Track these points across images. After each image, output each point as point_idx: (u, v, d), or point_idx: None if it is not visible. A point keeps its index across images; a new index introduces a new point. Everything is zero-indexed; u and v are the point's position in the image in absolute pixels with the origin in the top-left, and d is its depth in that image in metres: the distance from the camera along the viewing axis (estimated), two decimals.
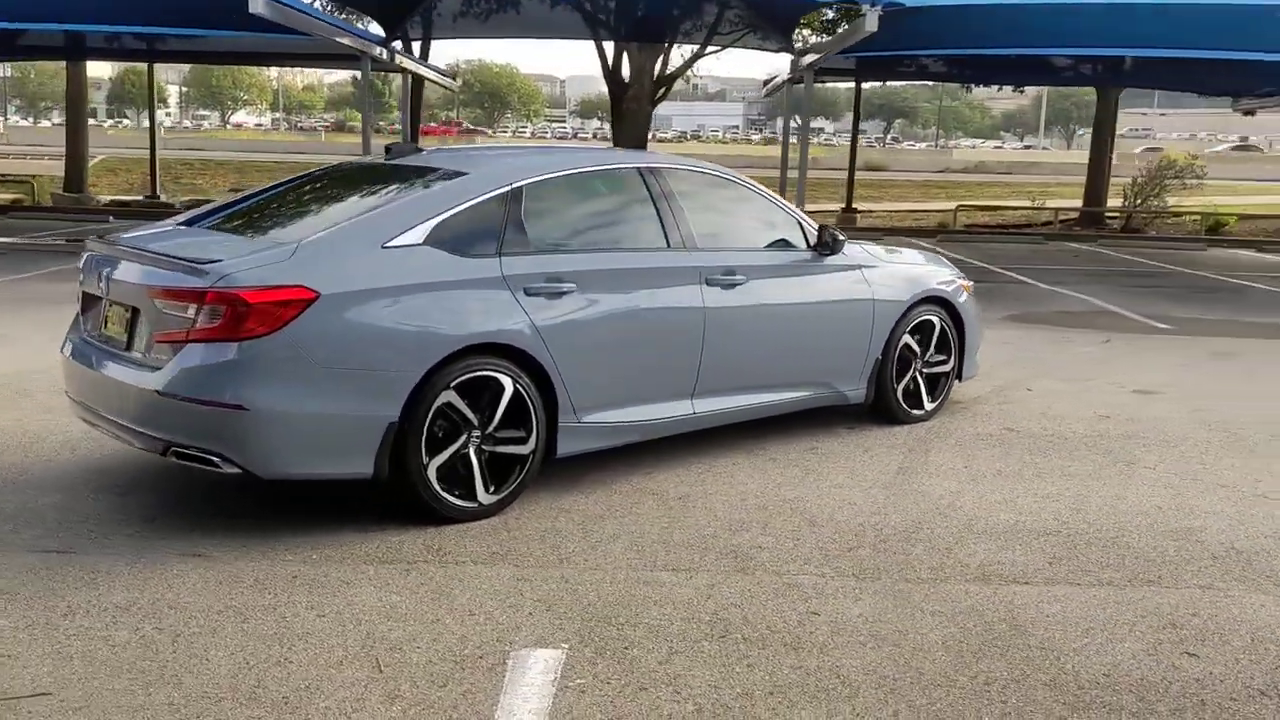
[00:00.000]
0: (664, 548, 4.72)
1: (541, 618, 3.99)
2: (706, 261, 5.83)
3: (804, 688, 3.53)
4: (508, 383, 4.96)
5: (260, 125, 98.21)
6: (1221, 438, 6.75)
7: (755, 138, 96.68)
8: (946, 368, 7.07)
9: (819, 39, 16.04)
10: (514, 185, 5.28)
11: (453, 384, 4.81)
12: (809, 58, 14.63)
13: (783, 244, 6.33)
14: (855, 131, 26.09)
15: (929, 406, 6.96)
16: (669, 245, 5.75)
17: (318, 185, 6.01)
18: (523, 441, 5.06)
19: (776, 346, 6.14)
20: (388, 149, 5.88)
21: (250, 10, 11.82)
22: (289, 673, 3.55)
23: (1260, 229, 23.85)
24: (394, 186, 5.45)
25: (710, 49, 20.91)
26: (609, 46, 22.32)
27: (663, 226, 5.77)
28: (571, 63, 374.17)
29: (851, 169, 24.35)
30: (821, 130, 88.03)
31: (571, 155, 6.12)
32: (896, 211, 29.57)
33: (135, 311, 4.83)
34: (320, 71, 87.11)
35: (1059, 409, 7.39)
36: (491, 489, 5.00)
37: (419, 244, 4.92)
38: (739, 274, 5.89)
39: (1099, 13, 14.21)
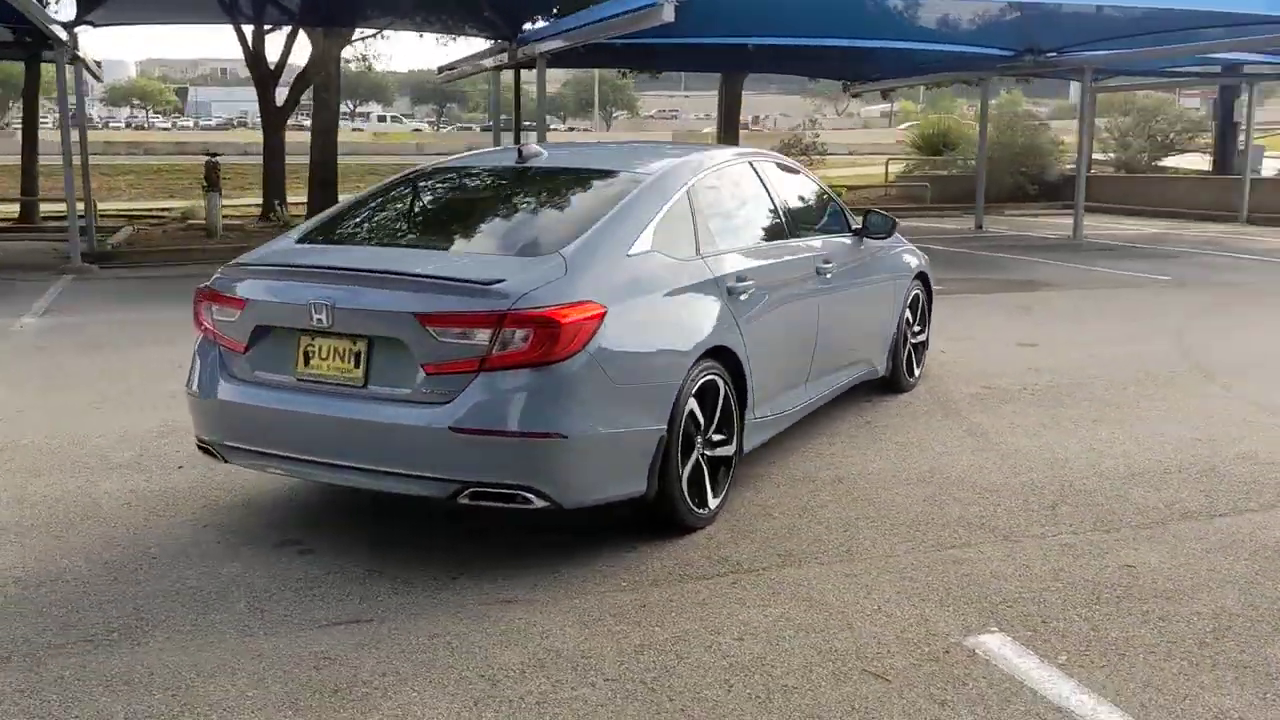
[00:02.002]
0: (921, 528, 4.92)
1: (930, 607, 4.11)
2: (814, 250, 6.03)
3: (1237, 629, 3.95)
4: (721, 385, 4.93)
5: None
6: (1168, 374, 7.90)
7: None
8: (924, 337, 7.71)
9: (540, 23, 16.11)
10: (689, 184, 5.20)
11: (693, 391, 4.72)
12: (548, 44, 14.72)
13: (838, 228, 6.63)
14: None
15: (918, 373, 7.58)
16: (789, 235, 5.90)
17: (466, 192, 5.55)
18: (728, 443, 5.05)
19: (851, 328, 6.46)
20: (519, 150, 5.49)
21: None
22: (793, 700, 3.46)
23: (849, 200, 26.89)
24: (577, 191, 5.17)
25: (441, 38, 20.22)
26: (249, 31, 20.94)
27: (780, 218, 5.90)
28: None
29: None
30: (369, 115, 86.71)
31: (690, 150, 6.00)
32: None
33: (372, 342, 4.29)
34: None
35: (989, 367, 8.25)
36: (715, 494, 4.95)
37: (649, 250, 4.75)
38: (831, 260, 6.14)
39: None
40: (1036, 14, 17.09)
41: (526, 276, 4.25)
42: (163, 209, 23.01)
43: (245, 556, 4.60)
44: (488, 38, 17.16)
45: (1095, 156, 28.83)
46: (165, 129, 76.05)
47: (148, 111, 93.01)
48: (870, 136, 59.65)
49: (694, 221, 5.11)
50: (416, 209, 5.39)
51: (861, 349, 6.73)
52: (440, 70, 20.62)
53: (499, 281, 4.20)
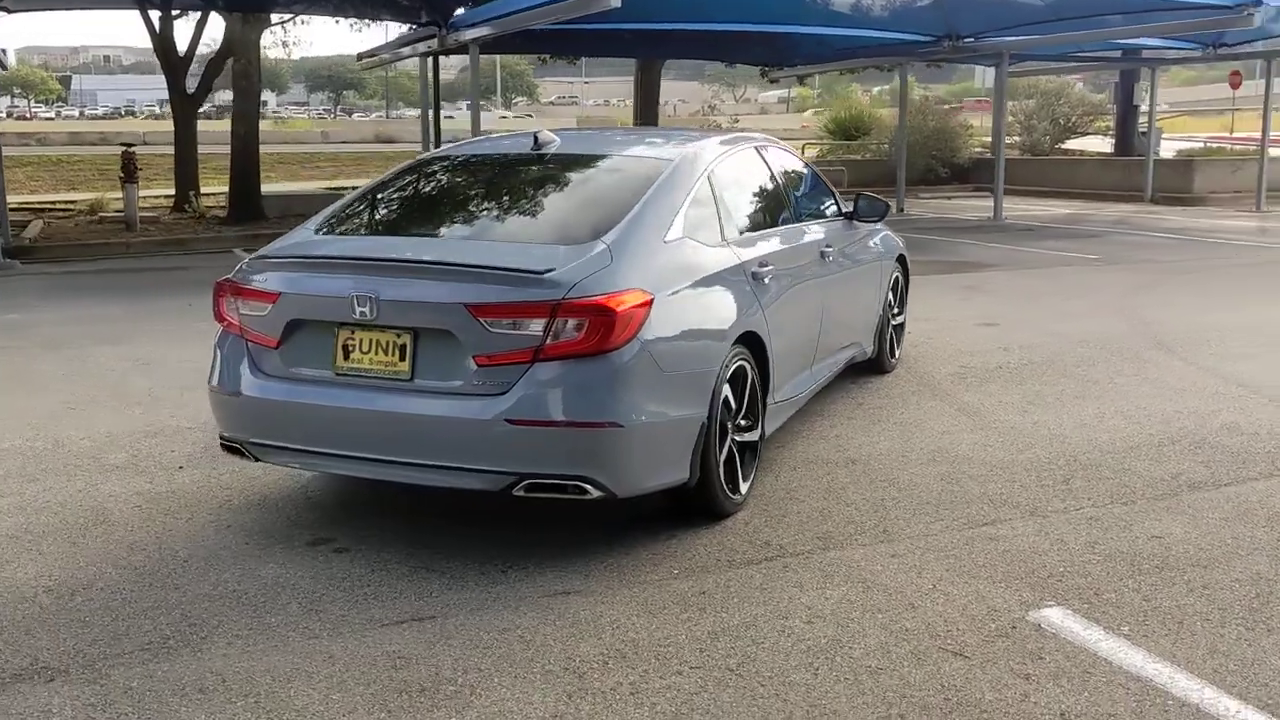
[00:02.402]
0: (947, 506, 4.99)
1: (983, 584, 4.19)
2: (817, 234, 6.08)
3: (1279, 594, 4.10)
4: (749, 370, 4.96)
5: None
6: (1129, 349, 8.13)
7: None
8: (903, 319, 7.82)
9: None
10: (709, 169, 5.20)
11: (727, 377, 4.74)
12: (477, 31, 14.53)
13: (831, 212, 6.69)
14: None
15: (898, 354, 7.70)
16: (795, 219, 5.94)
17: (487, 180, 5.45)
18: (754, 428, 5.07)
19: (848, 311, 6.53)
20: (535, 136, 5.40)
21: None
22: (882, 681, 3.51)
23: None
24: (602, 179, 5.14)
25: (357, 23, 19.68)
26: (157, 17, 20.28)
27: (786, 202, 5.95)
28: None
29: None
30: (265, 103, 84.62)
31: (698, 135, 5.96)
32: None
33: (418, 334, 4.21)
34: None
35: (960, 347, 8.42)
36: (744, 479, 4.98)
37: (681, 236, 4.74)
38: (832, 245, 6.20)
39: None
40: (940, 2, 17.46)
41: (576, 265, 4.21)
42: (67, 201, 22.18)
43: (280, 557, 4.48)
44: (413, 23, 16.86)
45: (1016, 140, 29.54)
46: (49, 119, 73.25)
47: (29, 101, 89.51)
48: (775, 121, 60.13)
49: (716, 207, 5.11)
50: (440, 198, 5.30)
51: (855, 331, 6.82)
52: (360, 57, 20.21)
53: (550, 270, 4.15)
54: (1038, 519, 4.84)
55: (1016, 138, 29.47)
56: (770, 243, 5.46)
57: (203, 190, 20.80)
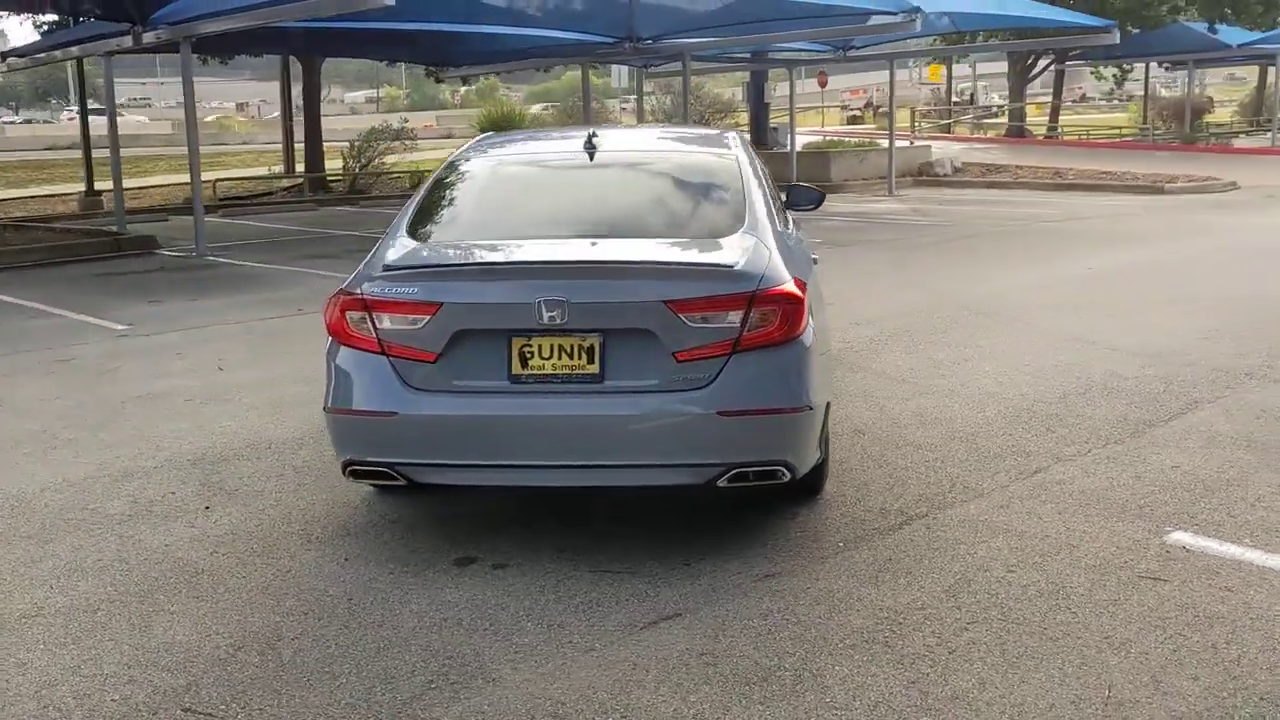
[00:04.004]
0: (988, 461, 5.51)
1: (1101, 522, 4.73)
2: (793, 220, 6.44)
3: None
4: None
5: None
6: (957, 317, 9.04)
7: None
8: None
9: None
10: (754, 163, 5.40)
11: None
12: (212, 25, 13.46)
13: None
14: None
15: None
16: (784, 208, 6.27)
17: (571, 181, 5.35)
18: None
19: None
20: (590, 137, 5.29)
21: None
22: (1126, 609, 3.98)
23: None
24: (684, 175, 5.19)
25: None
26: None
27: (777, 192, 6.24)
28: None
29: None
30: None
31: (711, 132, 6.16)
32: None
33: (607, 335, 4.14)
34: None
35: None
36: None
37: (782, 228, 4.95)
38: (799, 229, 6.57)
39: None
40: (623, 5, 18.21)
41: (750, 258, 4.33)
42: None
43: (445, 580, 4.25)
44: (106, 18, 15.32)
45: None
46: None
47: None
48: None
49: (774, 198, 5.35)
50: (544, 198, 5.13)
51: None
52: (4, 57, 18.04)
53: (736, 264, 4.25)
54: (1075, 462, 5.48)
55: None
56: (801, 231, 5.76)
57: None
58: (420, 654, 3.69)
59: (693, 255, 4.38)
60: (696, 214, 4.88)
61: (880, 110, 52.16)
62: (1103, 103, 61.68)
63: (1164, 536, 4.54)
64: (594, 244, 4.56)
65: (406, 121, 26.69)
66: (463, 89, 62.83)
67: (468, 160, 5.43)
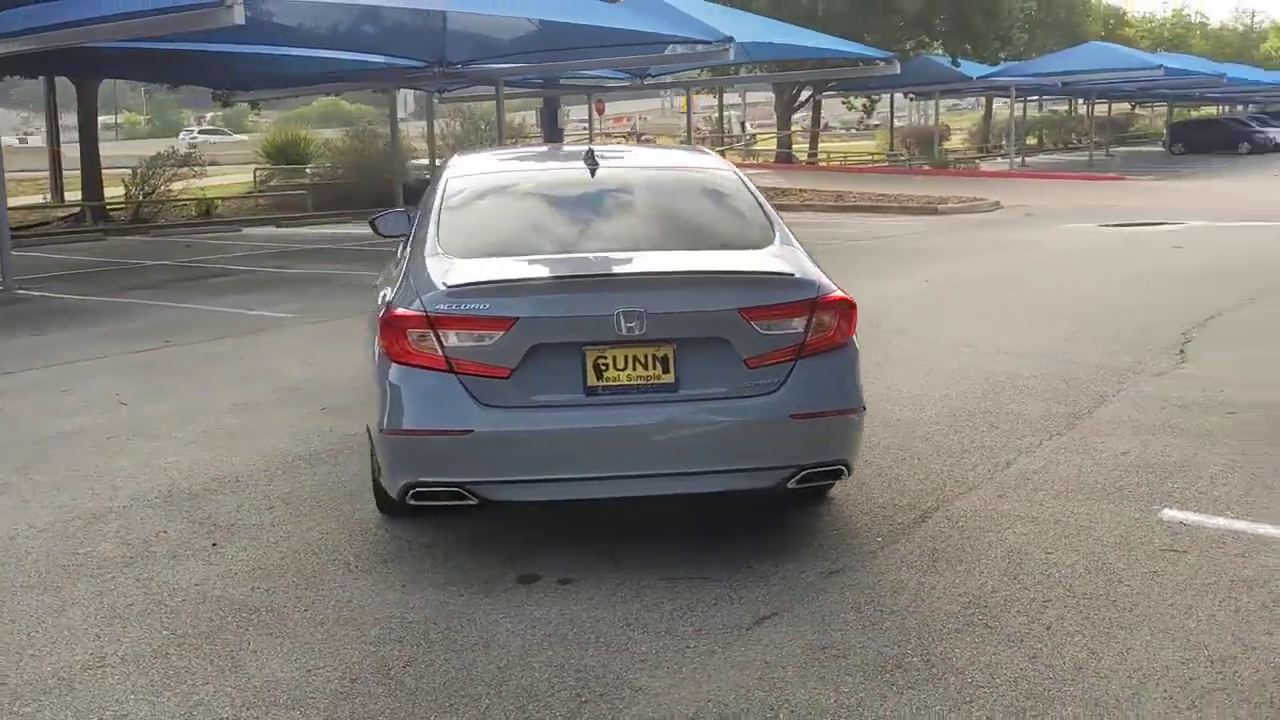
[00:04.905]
0: (974, 452, 5.86)
1: (1098, 504, 5.12)
2: None
3: None
4: None
5: None
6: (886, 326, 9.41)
7: None
8: None
9: None
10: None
11: None
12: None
13: None
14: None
15: None
16: None
17: (589, 197, 5.28)
18: None
19: None
20: (590, 153, 5.27)
21: None
22: (1162, 581, 4.35)
23: (240, 207, 25.94)
24: (695, 189, 5.28)
25: None
26: None
27: None
28: None
29: None
30: None
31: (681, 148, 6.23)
32: None
33: (681, 344, 4.20)
34: None
35: None
36: None
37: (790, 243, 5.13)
38: None
39: None
40: (434, 30, 18.13)
41: (804, 266, 4.49)
42: None
43: (520, 599, 4.19)
44: None
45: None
46: None
47: None
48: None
49: None
50: (564, 215, 5.07)
51: None
52: None
53: (794, 272, 4.40)
54: (1034, 455, 5.88)
55: None
56: None
57: None
58: (547, 670, 3.64)
59: (755, 264, 4.51)
60: (729, 225, 5.00)
61: (644, 137, 53.61)
62: (842, 131, 65.52)
63: (1158, 514, 4.96)
64: (659, 255, 4.61)
65: (194, 149, 25.40)
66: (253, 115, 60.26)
67: (468, 177, 5.37)
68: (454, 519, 4.91)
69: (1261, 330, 9.34)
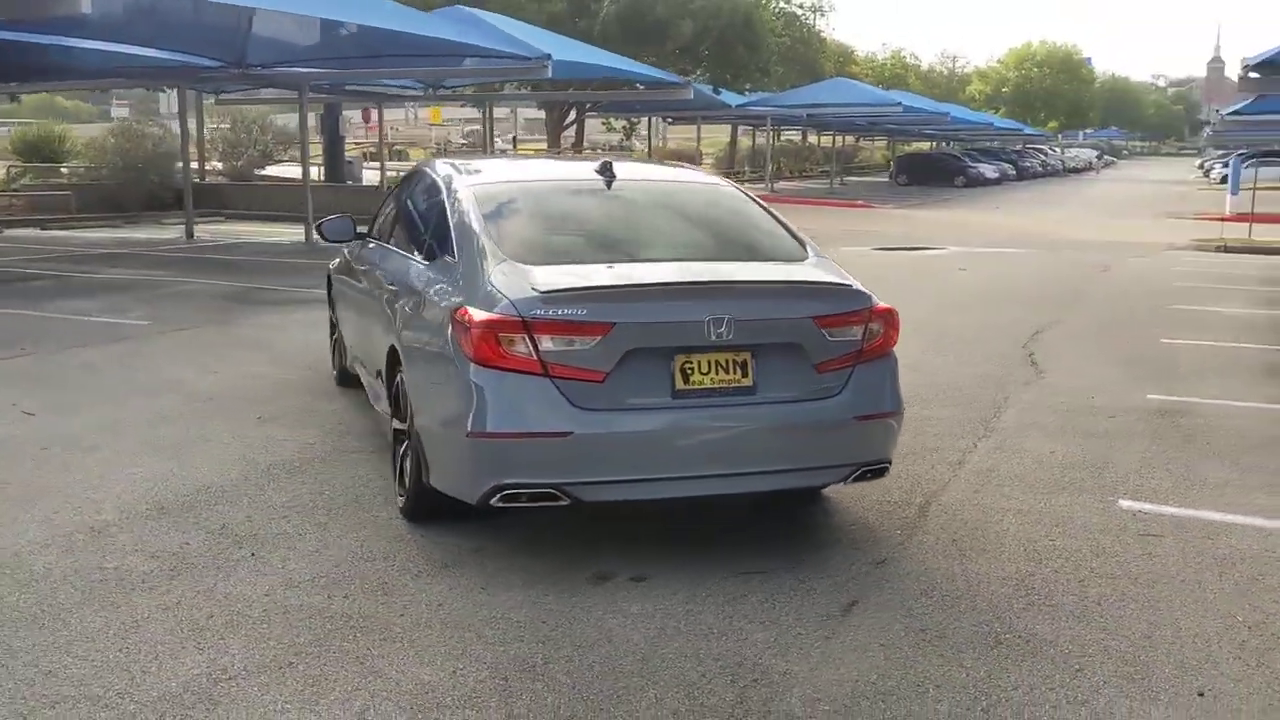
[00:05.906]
0: (937, 450, 6.33)
1: (1060, 497, 5.66)
2: None
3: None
4: None
5: None
6: None
7: None
8: None
9: None
10: None
11: None
12: None
13: None
14: None
15: None
16: None
17: (617, 207, 5.38)
18: None
19: None
20: (606, 165, 5.35)
21: None
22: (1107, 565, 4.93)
23: None
24: (709, 200, 5.50)
25: None
26: None
27: None
28: None
29: None
30: None
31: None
32: None
33: (758, 349, 4.42)
34: None
35: None
36: None
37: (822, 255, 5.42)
38: None
39: None
40: (238, 31, 17.50)
41: (851, 278, 4.81)
42: None
43: (613, 595, 4.30)
44: None
45: (214, 165, 29.40)
46: None
47: None
48: None
49: None
50: (609, 226, 5.13)
51: None
52: None
53: (851, 282, 4.71)
54: (977, 454, 6.41)
55: (218, 163, 29.56)
56: None
57: None
58: (686, 660, 3.78)
59: (817, 275, 4.79)
60: (764, 238, 5.24)
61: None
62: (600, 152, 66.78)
63: (1117, 504, 5.56)
64: (731, 265, 4.83)
65: None
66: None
67: (491, 185, 5.41)
68: (486, 525, 4.93)
69: (1082, 343, 10.31)
